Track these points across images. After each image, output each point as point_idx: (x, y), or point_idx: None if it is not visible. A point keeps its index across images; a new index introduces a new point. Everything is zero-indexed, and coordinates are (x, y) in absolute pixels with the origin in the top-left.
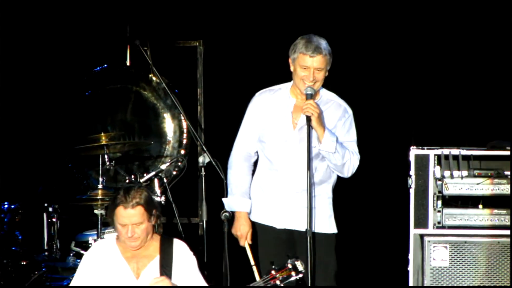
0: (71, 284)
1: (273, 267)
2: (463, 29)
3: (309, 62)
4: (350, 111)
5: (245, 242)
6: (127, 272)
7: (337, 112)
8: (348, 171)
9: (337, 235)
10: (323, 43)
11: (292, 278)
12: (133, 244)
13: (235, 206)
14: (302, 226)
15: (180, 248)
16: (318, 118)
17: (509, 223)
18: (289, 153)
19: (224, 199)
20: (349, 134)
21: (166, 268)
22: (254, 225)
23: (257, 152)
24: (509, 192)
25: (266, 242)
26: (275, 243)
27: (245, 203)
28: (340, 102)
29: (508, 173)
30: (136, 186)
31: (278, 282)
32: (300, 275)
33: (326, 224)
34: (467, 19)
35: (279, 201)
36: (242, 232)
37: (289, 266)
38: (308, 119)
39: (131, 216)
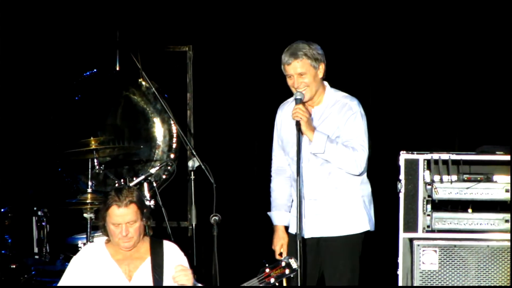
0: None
1: (267, 265)
2: (454, 34)
3: (289, 69)
4: (355, 108)
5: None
6: (118, 275)
7: (341, 113)
8: (352, 168)
9: None
10: (301, 46)
11: (286, 276)
12: (126, 245)
13: (272, 220)
14: (328, 232)
15: (170, 249)
16: (307, 123)
17: (498, 227)
18: (302, 163)
19: (269, 213)
20: (353, 130)
21: (157, 269)
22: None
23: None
24: (498, 196)
25: (293, 251)
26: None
27: (279, 216)
28: (345, 101)
29: (497, 177)
30: (126, 186)
31: (272, 280)
32: (294, 273)
33: (354, 224)
34: (458, 25)
35: (301, 210)
36: (274, 245)
37: (283, 263)
38: (298, 124)
39: (125, 215)
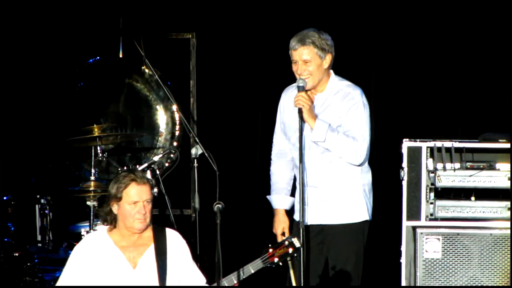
0: (61, 277)
1: (270, 245)
2: (456, 22)
3: (295, 55)
4: (357, 97)
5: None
6: (123, 262)
7: (344, 101)
8: (352, 158)
9: None
10: (309, 33)
11: (290, 255)
12: (141, 225)
13: (272, 203)
14: (330, 220)
15: (173, 236)
16: (309, 110)
17: (501, 215)
18: (304, 149)
19: (268, 197)
20: (354, 120)
21: (161, 256)
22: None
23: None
24: (501, 184)
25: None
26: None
27: (280, 200)
28: (348, 90)
29: (500, 165)
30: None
31: (276, 260)
32: (297, 252)
33: (354, 213)
34: (460, 12)
35: (304, 197)
36: (276, 229)
37: (286, 243)
38: (300, 111)
39: (143, 193)
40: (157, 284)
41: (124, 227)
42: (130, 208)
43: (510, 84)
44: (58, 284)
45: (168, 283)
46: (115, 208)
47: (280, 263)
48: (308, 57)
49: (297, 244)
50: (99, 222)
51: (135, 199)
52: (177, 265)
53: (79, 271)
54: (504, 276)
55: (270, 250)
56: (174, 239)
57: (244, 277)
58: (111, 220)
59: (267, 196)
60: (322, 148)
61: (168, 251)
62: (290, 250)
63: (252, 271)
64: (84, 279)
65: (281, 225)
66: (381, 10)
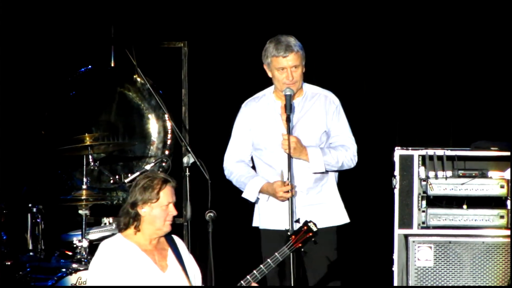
0: None
1: (289, 233)
2: (449, 30)
3: (284, 62)
4: (336, 101)
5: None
6: (151, 266)
7: (324, 105)
8: (350, 166)
9: None
10: (292, 40)
11: (311, 239)
12: (169, 228)
13: (253, 187)
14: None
15: (182, 243)
16: (295, 149)
17: (493, 223)
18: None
19: (244, 195)
20: (339, 125)
21: (180, 260)
22: (261, 233)
23: (250, 160)
24: (493, 192)
25: (274, 246)
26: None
27: (258, 179)
28: (325, 94)
29: (492, 173)
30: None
31: (300, 245)
32: (316, 236)
33: (335, 216)
34: (453, 19)
35: (287, 204)
36: (276, 190)
37: (305, 228)
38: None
39: (174, 194)
40: (187, 284)
41: (152, 230)
42: (161, 211)
43: (509, 92)
44: None
45: (193, 283)
46: (144, 211)
47: (302, 249)
48: (297, 63)
49: (314, 228)
50: (91, 231)
51: (170, 200)
52: (190, 265)
53: (111, 280)
54: (497, 283)
55: (293, 236)
56: (182, 245)
57: (273, 266)
58: (136, 225)
59: (243, 194)
60: None
61: (182, 255)
62: (310, 235)
63: (280, 259)
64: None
65: (275, 185)
66: (374, 17)
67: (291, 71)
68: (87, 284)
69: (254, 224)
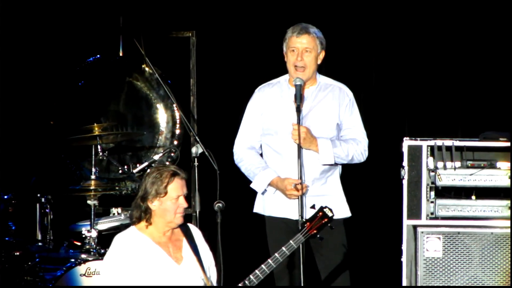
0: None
1: (304, 220)
2: (456, 21)
3: (296, 42)
4: (350, 94)
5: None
6: (166, 259)
7: (338, 97)
8: (360, 160)
9: None
10: (311, 26)
11: (326, 226)
12: (181, 220)
13: (263, 179)
14: None
15: (197, 232)
16: (304, 140)
17: (502, 214)
18: (290, 143)
19: (252, 186)
20: (352, 118)
21: (195, 251)
22: (266, 220)
23: (260, 147)
24: (502, 183)
25: (280, 234)
26: (292, 235)
27: (269, 171)
28: (339, 86)
29: (501, 164)
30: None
31: (315, 232)
32: (332, 222)
33: (339, 209)
34: (461, 10)
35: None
36: (287, 188)
37: (320, 214)
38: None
39: (184, 186)
40: (202, 277)
41: (163, 223)
42: (172, 203)
43: (511, 83)
44: None
45: (208, 274)
46: (154, 205)
47: (318, 235)
48: (310, 46)
49: (330, 214)
50: (100, 221)
51: (179, 193)
52: (206, 260)
53: (126, 274)
54: (505, 275)
55: (307, 223)
56: (198, 234)
57: (288, 254)
58: (147, 218)
59: (252, 184)
60: None
61: (198, 245)
62: (325, 221)
63: (295, 247)
64: (132, 280)
65: (287, 182)
66: (383, 8)
67: (302, 52)
68: (102, 278)
69: (256, 210)
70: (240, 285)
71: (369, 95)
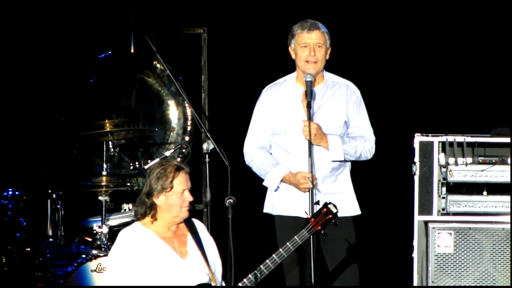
0: (123, 280)
1: (309, 216)
2: (464, 17)
3: (308, 39)
4: (357, 92)
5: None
6: (171, 254)
7: (346, 95)
8: (366, 157)
9: None
10: (318, 22)
11: (330, 222)
12: (187, 214)
13: (276, 176)
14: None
15: (202, 227)
16: (315, 136)
17: None
18: (307, 142)
19: (264, 183)
20: (360, 116)
21: (200, 245)
22: (275, 219)
23: (270, 147)
24: None
25: (290, 233)
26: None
27: (281, 168)
28: (347, 84)
29: None
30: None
31: (319, 228)
32: (336, 218)
33: (349, 206)
34: (472, 5)
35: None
36: (300, 181)
37: (324, 210)
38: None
39: (188, 180)
40: (207, 271)
41: (169, 218)
42: (177, 197)
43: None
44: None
45: (213, 269)
46: (160, 200)
47: (322, 231)
48: (321, 41)
49: (334, 210)
50: (111, 217)
51: (184, 187)
52: (211, 255)
53: (131, 269)
54: None
55: (312, 219)
56: (203, 229)
57: (293, 250)
58: (153, 214)
59: (264, 183)
60: None
61: (203, 240)
62: (329, 217)
63: (300, 242)
64: (137, 276)
65: (298, 176)
66: (393, 3)
67: (314, 47)
68: (107, 273)
69: (266, 210)
70: (244, 280)
71: (380, 91)
